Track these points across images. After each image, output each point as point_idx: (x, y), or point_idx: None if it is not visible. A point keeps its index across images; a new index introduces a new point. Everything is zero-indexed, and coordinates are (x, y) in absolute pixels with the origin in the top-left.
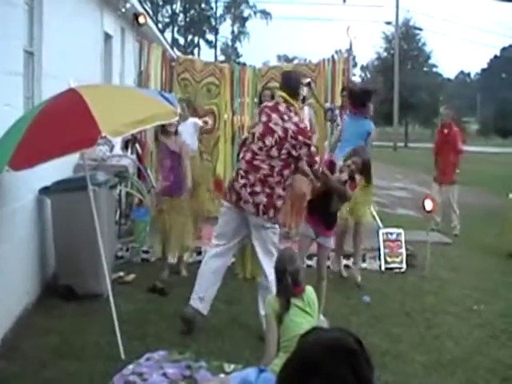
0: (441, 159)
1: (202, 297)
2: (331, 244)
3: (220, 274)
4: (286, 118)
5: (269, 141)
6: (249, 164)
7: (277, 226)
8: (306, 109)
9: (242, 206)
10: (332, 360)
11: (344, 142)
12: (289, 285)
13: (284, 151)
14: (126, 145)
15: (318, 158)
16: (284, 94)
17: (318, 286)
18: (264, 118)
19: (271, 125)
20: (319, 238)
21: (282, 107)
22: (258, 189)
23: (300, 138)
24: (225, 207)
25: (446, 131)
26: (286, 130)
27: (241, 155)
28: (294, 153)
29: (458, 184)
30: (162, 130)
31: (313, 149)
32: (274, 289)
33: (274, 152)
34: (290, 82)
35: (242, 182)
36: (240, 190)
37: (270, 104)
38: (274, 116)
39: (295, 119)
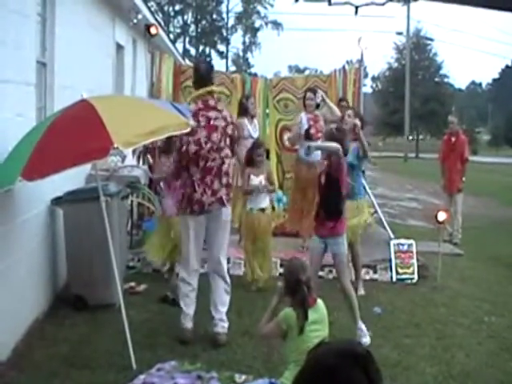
0: (447, 167)
1: (192, 316)
2: (344, 249)
3: (197, 288)
4: (219, 107)
5: (216, 137)
6: (203, 170)
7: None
8: (320, 116)
9: (207, 210)
10: (346, 365)
11: None
12: (305, 295)
13: (227, 138)
14: (138, 156)
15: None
16: (201, 91)
17: (346, 302)
18: (203, 122)
19: (212, 122)
20: (329, 244)
21: (212, 101)
22: (216, 186)
23: (233, 119)
24: (188, 220)
25: (453, 139)
26: (225, 118)
27: (192, 168)
28: (233, 134)
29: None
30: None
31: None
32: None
33: (222, 143)
34: (201, 74)
35: (201, 189)
36: (201, 197)
37: (201, 105)
38: (211, 114)
39: (223, 104)
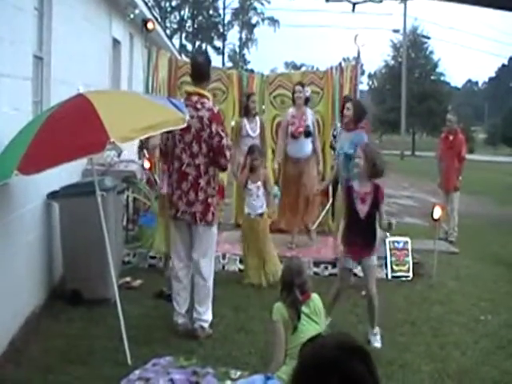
0: (445, 166)
1: (184, 314)
2: (375, 261)
3: (189, 286)
4: (199, 106)
5: (188, 138)
6: (179, 172)
7: (214, 228)
8: (309, 111)
9: (179, 217)
10: (348, 357)
11: (338, 150)
12: (297, 297)
13: (204, 144)
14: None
15: (228, 153)
16: (195, 89)
17: (369, 308)
18: None
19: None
20: (362, 262)
21: (195, 97)
22: (192, 198)
23: (213, 126)
24: (171, 223)
25: (451, 138)
26: (201, 119)
27: (170, 167)
28: (211, 142)
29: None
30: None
31: (224, 141)
32: (211, 291)
33: (195, 148)
34: (198, 70)
35: (178, 193)
36: (177, 201)
37: (184, 100)
38: (187, 109)
39: (208, 104)
